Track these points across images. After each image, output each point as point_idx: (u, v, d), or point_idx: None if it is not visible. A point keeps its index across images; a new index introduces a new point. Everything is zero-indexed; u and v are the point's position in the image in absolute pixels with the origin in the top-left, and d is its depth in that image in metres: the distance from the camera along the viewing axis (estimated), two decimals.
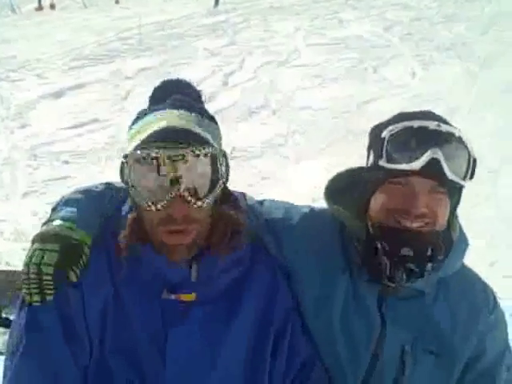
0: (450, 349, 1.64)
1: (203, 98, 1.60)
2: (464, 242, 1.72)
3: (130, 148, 1.46)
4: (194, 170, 1.40)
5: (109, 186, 1.66)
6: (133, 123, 1.51)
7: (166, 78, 1.61)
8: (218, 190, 1.44)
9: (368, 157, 1.65)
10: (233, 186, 1.57)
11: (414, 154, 1.51)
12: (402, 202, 1.54)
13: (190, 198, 1.38)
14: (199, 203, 1.40)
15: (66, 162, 7.49)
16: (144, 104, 1.59)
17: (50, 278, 1.41)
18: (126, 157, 1.43)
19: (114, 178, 1.70)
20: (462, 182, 1.55)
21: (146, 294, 1.49)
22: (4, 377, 1.49)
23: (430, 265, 1.56)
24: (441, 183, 1.53)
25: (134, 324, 1.48)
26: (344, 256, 1.67)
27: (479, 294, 1.73)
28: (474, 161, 1.55)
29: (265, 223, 1.71)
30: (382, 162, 1.55)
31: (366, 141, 1.69)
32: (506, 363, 1.70)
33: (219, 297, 1.54)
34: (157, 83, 1.60)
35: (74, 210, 1.53)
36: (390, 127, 1.56)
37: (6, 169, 7.27)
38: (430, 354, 1.63)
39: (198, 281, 1.51)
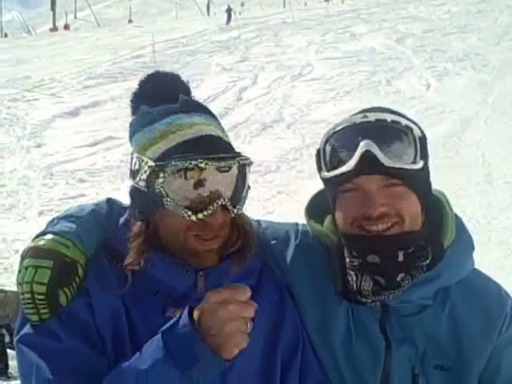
0: (460, 362, 1.55)
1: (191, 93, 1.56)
2: (467, 245, 1.55)
3: (149, 153, 1.37)
4: (234, 180, 1.39)
5: (109, 200, 1.61)
6: (142, 125, 1.41)
7: (152, 72, 1.55)
8: (246, 197, 1.44)
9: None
10: (249, 201, 1.56)
11: (348, 154, 1.41)
12: (358, 206, 1.43)
13: (231, 208, 1.37)
14: (235, 211, 1.38)
15: (82, 180, 7.52)
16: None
17: (43, 297, 1.34)
18: (159, 166, 1.33)
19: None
20: (411, 167, 1.40)
21: (150, 307, 1.46)
22: None
23: (401, 275, 1.43)
24: (389, 175, 1.39)
25: (139, 337, 1.45)
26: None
27: (494, 303, 1.56)
28: (422, 138, 1.42)
29: (268, 245, 1.66)
30: (324, 174, 1.47)
31: None
32: None
33: None
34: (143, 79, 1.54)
35: (72, 225, 1.45)
36: (323, 138, 1.46)
37: (21, 188, 7.31)
38: (442, 370, 1.54)
39: (205, 293, 1.46)
